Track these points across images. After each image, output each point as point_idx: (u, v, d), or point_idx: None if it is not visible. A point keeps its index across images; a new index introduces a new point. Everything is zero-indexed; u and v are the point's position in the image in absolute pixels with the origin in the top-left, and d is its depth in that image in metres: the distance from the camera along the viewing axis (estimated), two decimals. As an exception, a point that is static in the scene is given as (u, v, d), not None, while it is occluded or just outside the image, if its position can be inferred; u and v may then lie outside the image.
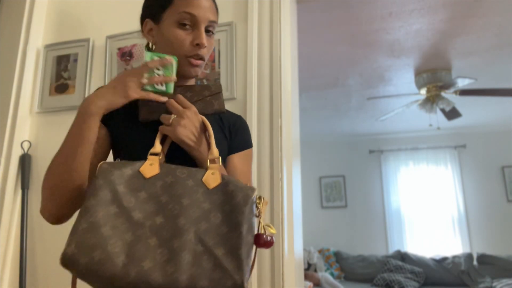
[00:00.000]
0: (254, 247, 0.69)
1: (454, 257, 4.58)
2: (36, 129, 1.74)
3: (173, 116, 0.76)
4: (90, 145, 0.75)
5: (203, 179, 0.70)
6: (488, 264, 4.37)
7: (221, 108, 0.85)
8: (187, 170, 0.71)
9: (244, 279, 0.62)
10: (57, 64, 1.78)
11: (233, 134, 0.92)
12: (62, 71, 1.76)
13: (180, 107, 0.77)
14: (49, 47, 1.80)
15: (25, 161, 1.67)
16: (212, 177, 0.70)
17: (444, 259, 4.62)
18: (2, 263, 1.58)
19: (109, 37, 1.71)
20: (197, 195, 0.68)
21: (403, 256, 4.77)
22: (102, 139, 0.83)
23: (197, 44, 0.82)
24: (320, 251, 5.14)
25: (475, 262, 4.51)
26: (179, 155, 0.79)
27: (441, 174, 5.24)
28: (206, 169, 0.72)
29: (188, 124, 0.75)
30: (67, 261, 0.61)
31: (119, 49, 1.69)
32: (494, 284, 4.01)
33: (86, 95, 1.70)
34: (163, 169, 0.71)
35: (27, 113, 1.75)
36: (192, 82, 0.92)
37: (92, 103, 0.74)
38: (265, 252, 1.31)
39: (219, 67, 1.52)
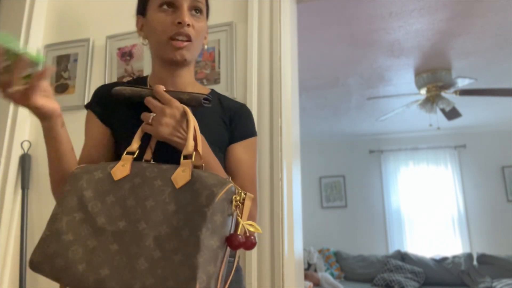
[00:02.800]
0: (228, 250, 0.63)
1: (454, 257, 4.58)
2: (36, 129, 1.74)
3: (152, 115, 0.72)
4: (59, 149, 0.73)
5: (172, 177, 0.65)
6: (488, 264, 4.37)
7: (195, 101, 0.76)
8: (158, 168, 0.67)
9: None
10: (57, 64, 1.78)
11: (234, 123, 0.87)
12: (62, 71, 1.76)
13: (158, 104, 0.72)
14: (49, 47, 1.80)
15: (25, 161, 1.67)
16: (181, 175, 0.64)
17: (444, 259, 4.62)
18: (2, 263, 1.58)
19: (109, 37, 1.71)
20: (163, 196, 0.64)
21: (403, 256, 4.77)
22: (101, 136, 0.83)
23: (179, 23, 0.78)
24: (320, 251, 5.14)
25: (475, 262, 4.51)
26: (168, 151, 0.75)
27: (441, 174, 5.24)
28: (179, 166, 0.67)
29: (170, 122, 0.71)
30: (32, 267, 0.64)
31: (119, 49, 1.69)
32: (494, 284, 4.01)
33: (86, 95, 1.70)
34: (133, 170, 0.68)
35: (27, 113, 1.75)
36: (188, 77, 0.87)
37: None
38: (265, 252, 1.31)
39: (219, 67, 1.52)
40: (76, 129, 1.69)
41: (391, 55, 3.06)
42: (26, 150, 1.71)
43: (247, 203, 0.65)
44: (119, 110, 0.84)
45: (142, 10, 0.87)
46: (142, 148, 0.75)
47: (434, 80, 3.37)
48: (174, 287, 0.57)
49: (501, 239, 4.84)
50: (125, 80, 1.64)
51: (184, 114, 0.72)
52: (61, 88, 1.75)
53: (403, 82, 3.62)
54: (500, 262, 4.32)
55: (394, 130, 5.32)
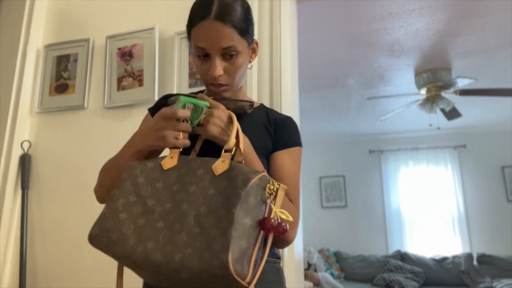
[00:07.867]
0: (261, 233, 0.68)
1: (454, 257, 4.58)
2: (36, 129, 1.74)
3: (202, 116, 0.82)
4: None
5: (213, 166, 0.74)
6: (488, 264, 4.37)
7: (240, 109, 0.88)
8: (201, 160, 0.76)
9: (231, 259, 0.62)
10: (57, 64, 1.78)
11: (278, 132, 0.93)
12: (62, 71, 1.76)
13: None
14: (49, 47, 1.80)
15: (25, 161, 1.67)
16: (221, 165, 0.73)
17: (444, 259, 4.62)
18: (2, 263, 1.58)
19: (109, 37, 1.71)
20: (204, 182, 0.72)
21: (403, 256, 4.78)
22: None
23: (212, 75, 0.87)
24: (320, 251, 5.14)
25: (475, 262, 4.52)
26: (210, 154, 0.82)
27: (441, 174, 5.25)
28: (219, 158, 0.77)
29: (217, 121, 0.79)
30: (91, 240, 0.72)
31: (119, 49, 1.69)
32: (494, 284, 4.01)
33: (86, 95, 1.70)
34: (180, 161, 0.78)
35: (27, 113, 1.75)
36: (236, 95, 0.96)
37: (134, 145, 0.84)
38: (265, 252, 1.31)
39: (219, 67, 1.51)
40: (76, 129, 1.69)
41: (391, 55, 3.06)
42: (26, 150, 1.71)
43: (280, 193, 0.72)
44: None
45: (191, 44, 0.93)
46: (188, 151, 0.84)
47: (434, 80, 3.37)
48: (210, 256, 0.63)
49: (501, 239, 4.84)
50: (124, 80, 1.64)
51: (229, 117, 0.81)
52: (61, 88, 1.75)
53: (403, 82, 3.63)
54: (500, 262, 4.32)
55: (394, 130, 5.32)
